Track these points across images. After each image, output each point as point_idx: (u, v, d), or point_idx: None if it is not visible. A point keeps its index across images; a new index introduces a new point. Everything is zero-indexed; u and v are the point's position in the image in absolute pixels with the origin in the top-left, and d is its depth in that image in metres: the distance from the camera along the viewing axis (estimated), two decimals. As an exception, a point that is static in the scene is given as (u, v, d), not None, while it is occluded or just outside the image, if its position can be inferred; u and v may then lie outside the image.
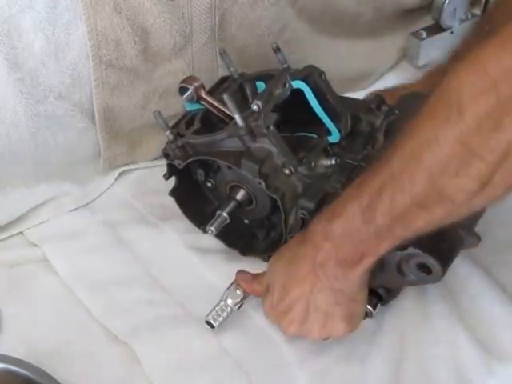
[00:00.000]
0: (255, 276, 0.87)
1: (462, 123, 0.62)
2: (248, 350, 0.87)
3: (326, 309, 0.79)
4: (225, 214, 0.89)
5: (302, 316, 0.80)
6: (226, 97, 0.85)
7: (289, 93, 0.88)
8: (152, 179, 1.04)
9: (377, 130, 0.88)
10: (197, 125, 0.91)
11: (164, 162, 0.95)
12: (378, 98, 0.90)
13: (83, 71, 0.95)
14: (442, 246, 0.81)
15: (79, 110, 0.98)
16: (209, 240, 0.96)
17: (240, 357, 0.86)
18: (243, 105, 0.88)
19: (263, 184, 0.86)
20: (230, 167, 0.89)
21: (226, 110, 0.89)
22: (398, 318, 0.89)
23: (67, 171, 1.02)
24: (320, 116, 0.89)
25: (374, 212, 0.70)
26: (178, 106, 1.02)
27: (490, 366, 0.84)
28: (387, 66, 1.22)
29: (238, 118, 0.85)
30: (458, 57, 0.68)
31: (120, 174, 1.06)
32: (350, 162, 0.87)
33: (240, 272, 0.88)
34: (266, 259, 0.93)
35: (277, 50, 0.93)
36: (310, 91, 0.88)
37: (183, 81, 0.92)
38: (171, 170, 0.93)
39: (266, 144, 0.86)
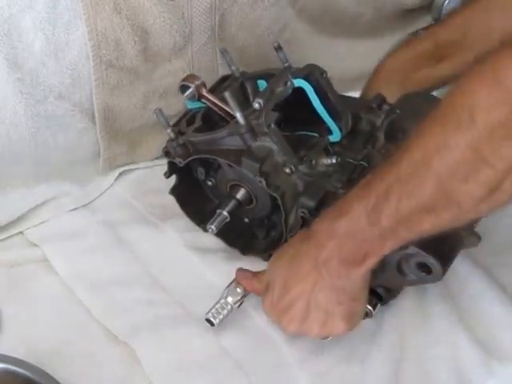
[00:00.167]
0: (255, 274, 0.87)
1: (474, 130, 0.62)
2: (248, 350, 0.87)
3: (326, 307, 0.79)
4: (225, 213, 0.89)
5: (302, 314, 0.80)
6: (227, 94, 0.85)
7: (290, 91, 0.88)
8: (152, 179, 1.04)
9: (377, 129, 0.88)
10: (198, 123, 0.91)
11: (164, 161, 0.95)
12: (379, 97, 0.90)
13: (83, 71, 0.95)
14: (442, 246, 0.81)
15: (79, 110, 0.98)
16: (209, 239, 0.96)
17: (240, 357, 0.86)
18: (244, 103, 0.88)
19: (264, 182, 0.86)
20: (230, 165, 0.89)
21: (227, 108, 0.89)
22: (398, 318, 0.89)
23: (67, 171, 1.02)
24: (321, 115, 0.89)
25: (379, 214, 0.70)
26: (178, 105, 1.02)
27: (490, 366, 0.85)
28: (387, 66, 1.23)
29: (239, 115, 0.85)
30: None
31: (120, 174, 1.06)
32: (351, 160, 0.87)
33: (240, 270, 0.88)
34: (266, 258, 0.93)
35: (278, 48, 0.93)
36: (311, 89, 0.88)
37: (184, 79, 0.92)
38: (172, 169, 0.94)
39: (267, 142, 0.86)
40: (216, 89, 0.95)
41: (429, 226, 0.69)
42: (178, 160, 0.91)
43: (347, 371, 0.85)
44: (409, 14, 1.17)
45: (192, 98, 0.92)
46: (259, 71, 0.96)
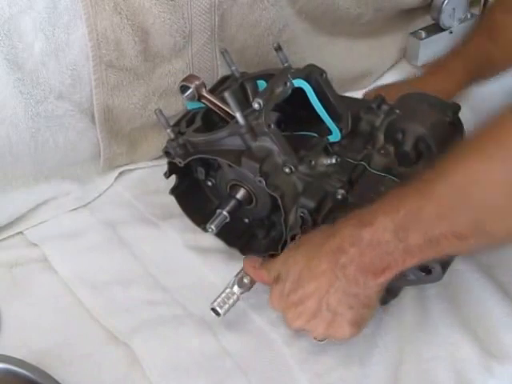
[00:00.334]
0: (263, 263, 0.86)
1: None
2: (248, 350, 0.87)
3: (336, 309, 0.79)
4: (225, 213, 0.89)
5: (311, 312, 0.80)
6: (227, 94, 0.85)
7: (290, 91, 0.88)
8: (152, 179, 1.05)
9: (377, 129, 0.88)
10: (198, 123, 0.91)
11: (164, 161, 0.95)
12: (379, 98, 0.90)
13: (83, 71, 0.95)
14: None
15: (79, 110, 0.98)
16: (209, 239, 0.96)
17: (240, 357, 0.86)
18: (244, 104, 0.88)
19: (263, 182, 0.86)
20: (230, 165, 0.89)
21: (226, 109, 0.89)
22: (398, 318, 0.89)
23: (67, 171, 1.03)
24: (321, 115, 0.89)
25: (407, 231, 0.70)
26: (177, 105, 1.02)
27: (490, 366, 0.84)
28: (387, 66, 1.23)
29: (238, 115, 0.85)
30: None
31: (120, 174, 1.06)
32: (351, 161, 0.87)
33: (247, 258, 0.87)
34: (266, 258, 0.93)
35: (278, 48, 0.93)
36: (311, 90, 0.88)
37: (184, 79, 0.92)
38: (172, 169, 0.94)
39: (267, 142, 0.86)
40: (216, 89, 0.95)
41: (455, 249, 0.69)
42: (177, 160, 0.91)
43: (347, 372, 0.85)
44: (408, 14, 1.18)
45: (192, 98, 0.92)
46: (259, 71, 0.96)
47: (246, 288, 0.86)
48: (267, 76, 0.92)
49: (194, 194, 0.97)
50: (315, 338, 0.83)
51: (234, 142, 0.87)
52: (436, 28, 1.23)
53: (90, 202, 1.03)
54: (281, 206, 0.87)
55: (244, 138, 0.86)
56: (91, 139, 1.02)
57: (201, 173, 0.95)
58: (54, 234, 0.98)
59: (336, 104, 0.90)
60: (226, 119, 0.90)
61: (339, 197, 0.83)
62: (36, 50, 0.91)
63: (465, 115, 0.89)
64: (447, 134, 0.87)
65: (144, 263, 0.95)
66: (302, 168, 0.86)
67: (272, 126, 0.86)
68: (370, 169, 0.87)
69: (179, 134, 0.91)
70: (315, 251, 0.79)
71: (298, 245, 0.83)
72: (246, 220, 0.96)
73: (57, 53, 0.92)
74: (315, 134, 0.90)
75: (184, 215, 0.97)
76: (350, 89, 1.07)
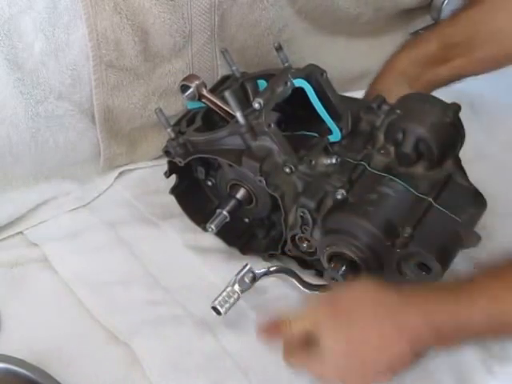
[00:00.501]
0: (281, 319, 0.81)
1: None
2: (248, 350, 0.87)
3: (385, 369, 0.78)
4: (225, 212, 0.89)
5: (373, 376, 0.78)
6: (227, 94, 0.85)
7: (290, 91, 0.88)
8: (152, 179, 1.04)
9: (377, 129, 0.88)
10: (198, 123, 0.91)
11: (164, 161, 0.95)
12: (379, 98, 0.90)
13: (83, 71, 0.96)
14: (442, 246, 0.81)
15: (79, 110, 0.98)
16: (209, 239, 0.97)
17: (240, 357, 0.86)
18: (245, 103, 0.88)
19: (263, 182, 0.86)
20: (230, 165, 0.89)
21: (227, 108, 0.89)
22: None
23: (67, 171, 1.03)
24: (321, 115, 0.89)
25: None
26: (177, 105, 1.02)
27: (490, 366, 0.84)
28: (387, 66, 1.22)
29: (239, 115, 0.85)
30: None
31: (120, 174, 1.06)
32: (351, 160, 0.87)
33: (260, 321, 0.84)
34: (266, 258, 0.93)
35: (279, 48, 0.93)
36: (311, 90, 0.88)
37: (184, 79, 0.93)
38: (172, 168, 0.94)
39: (267, 142, 0.86)
40: (216, 89, 0.95)
41: None
42: (178, 160, 0.91)
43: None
44: (408, 14, 1.18)
45: (192, 98, 0.92)
46: (259, 71, 0.96)
47: (246, 287, 0.86)
48: (268, 76, 0.92)
49: (194, 194, 0.97)
50: None
51: (234, 142, 0.87)
52: (436, 28, 1.23)
53: (89, 202, 1.03)
54: (281, 206, 0.87)
55: (244, 137, 0.86)
56: (91, 139, 1.02)
57: (201, 172, 0.95)
58: (54, 233, 0.98)
59: (336, 104, 0.90)
60: (227, 119, 0.90)
61: (339, 197, 0.83)
62: (36, 50, 0.91)
63: (465, 115, 0.89)
64: (447, 134, 0.87)
65: (144, 263, 0.95)
66: (302, 168, 0.86)
67: (272, 125, 0.86)
68: (370, 169, 0.87)
69: (179, 133, 0.91)
70: (371, 317, 0.77)
71: (333, 300, 0.80)
72: (246, 220, 0.96)
73: (57, 53, 0.93)
74: (315, 134, 0.90)
75: (184, 215, 0.97)
76: (350, 89, 1.07)
